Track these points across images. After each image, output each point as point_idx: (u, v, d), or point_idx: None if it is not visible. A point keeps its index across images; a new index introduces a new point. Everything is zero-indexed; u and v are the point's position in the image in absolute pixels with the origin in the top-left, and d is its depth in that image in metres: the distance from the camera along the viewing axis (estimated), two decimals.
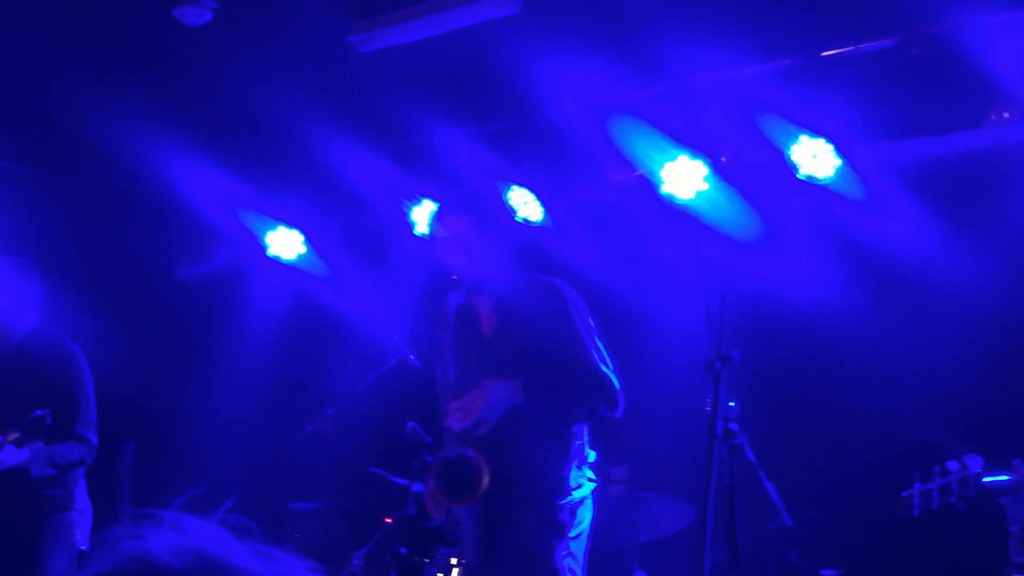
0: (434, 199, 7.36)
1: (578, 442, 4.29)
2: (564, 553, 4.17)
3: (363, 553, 6.28)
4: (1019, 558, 5.18)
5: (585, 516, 4.29)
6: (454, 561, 5.77)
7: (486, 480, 4.12)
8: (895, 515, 5.89)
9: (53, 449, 5.11)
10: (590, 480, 4.33)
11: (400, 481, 6.41)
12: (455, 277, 4.35)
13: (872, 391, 6.26)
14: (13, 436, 4.90)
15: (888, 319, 6.25)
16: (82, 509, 5.41)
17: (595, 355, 4.25)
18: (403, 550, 5.23)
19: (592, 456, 4.38)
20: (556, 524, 4.18)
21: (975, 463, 4.04)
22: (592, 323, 4.35)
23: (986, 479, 4.01)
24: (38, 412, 4.88)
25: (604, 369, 4.25)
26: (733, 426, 3.20)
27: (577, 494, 4.25)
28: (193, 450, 7.70)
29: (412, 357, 5.95)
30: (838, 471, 6.24)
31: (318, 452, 6.68)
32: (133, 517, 1.11)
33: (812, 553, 5.96)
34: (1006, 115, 5.84)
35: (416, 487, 6.05)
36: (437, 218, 4.51)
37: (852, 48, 6.06)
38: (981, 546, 5.47)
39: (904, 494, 4.19)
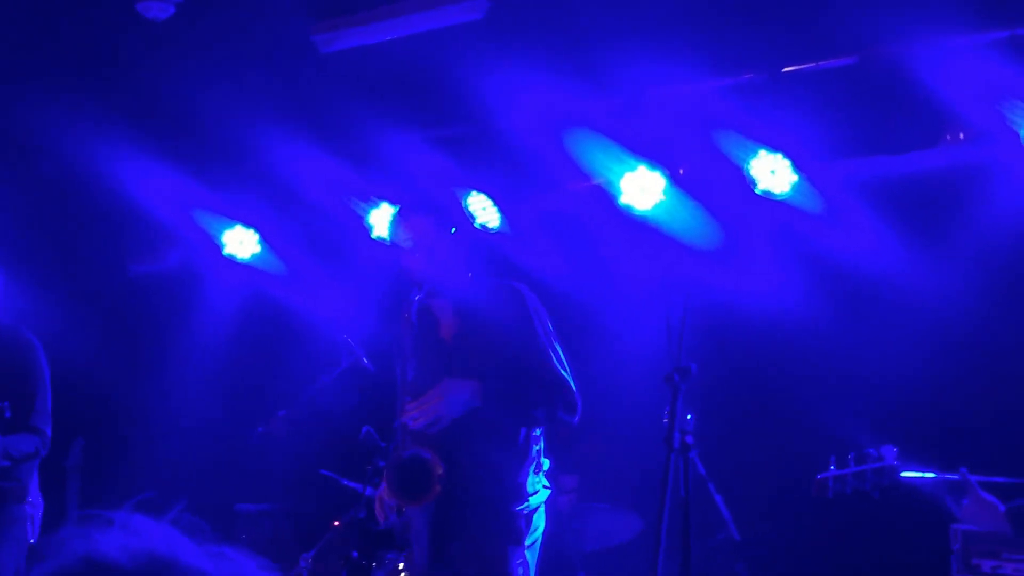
0: (392, 202, 7.35)
1: (536, 447, 4.28)
2: (519, 561, 4.14)
3: (311, 555, 6.24)
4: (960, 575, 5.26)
5: (539, 524, 4.27)
6: (402, 565, 5.75)
7: (440, 482, 4.09)
8: (843, 529, 5.98)
9: (8, 441, 5.04)
10: (545, 487, 4.31)
11: (351, 484, 6.39)
12: (416, 278, 4.34)
13: (825, 404, 6.30)
14: None
15: (845, 332, 6.30)
16: (35, 503, 5.35)
17: (554, 359, 4.23)
18: (355, 553, 5.21)
19: (546, 464, 4.37)
20: (512, 531, 4.15)
21: (890, 453, 4.08)
22: (551, 327, 4.34)
23: (905, 474, 4.05)
24: None
25: (563, 373, 4.23)
26: (690, 439, 3.21)
27: (533, 500, 4.22)
28: (142, 449, 7.63)
29: (366, 360, 5.93)
30: (789, 484, 6.26)
31: (269, 454, 6.63)
32: (82, 518, 1.10)
33: (759, 566, 5.99)
34: (961, 136, 5.93)
35: (367, 491, 6.04)
36: (399, 219, 4.47)
37: (812, 65, 6.12)
38: (922, 564, 5.54)
39: (819, 476, 4.22)
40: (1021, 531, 3.72)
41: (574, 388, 4.23)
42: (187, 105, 6.55)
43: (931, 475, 4.00)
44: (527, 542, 4.19)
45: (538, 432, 4.30)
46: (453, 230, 4.37)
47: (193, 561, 1.09)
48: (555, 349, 4.27)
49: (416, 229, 4.36)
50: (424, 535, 4.21)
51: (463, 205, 4.52)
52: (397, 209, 4.61)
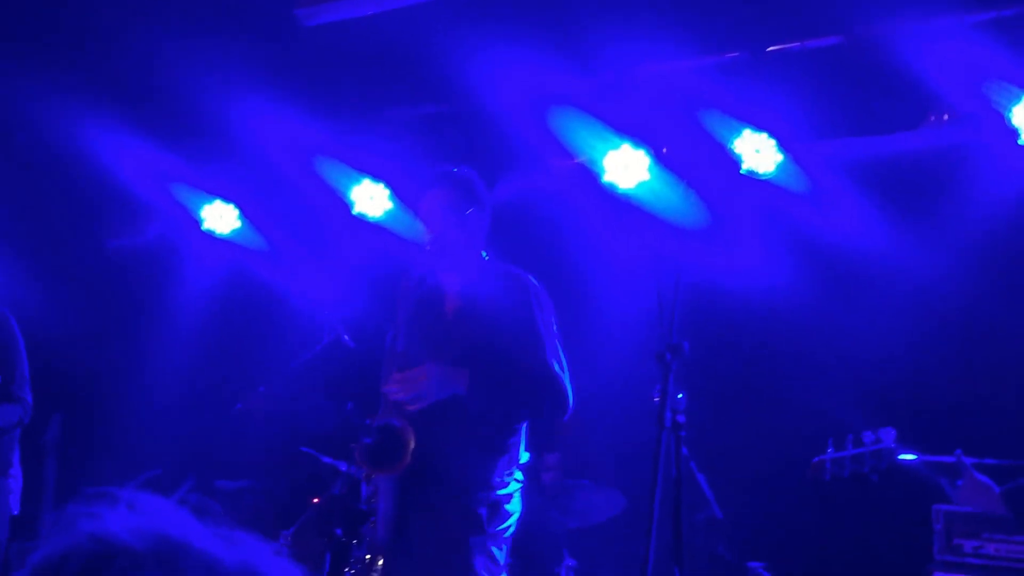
0: (375, 178, 7.30)
1: (511, 440, 4.19)
2: (479, 550, 4.03)
3: (290, 533, 6.22)
4: (942, 556, 5.28)
5: (513, 511, 4.18)
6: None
7: (410, 451, 4.03)
8: (824, 509, 6.00)
9: None
10: (517, 481, 4.22)
11: (331, 461, 6.36)
12: (426, 249, 4.29)
13: (810, 382, 6.32)
14: None
15: (830, 312, 6.31)
16: (15, 475, 5.34)
17: (550, 355, 4.12)
18: (338, 531, 5.18)
19: (525, 457, 4.28)
20: (474, 517, 4.05)
21: (889, 436, 4.08)
22: (554, 324, 4.24)
23: (903, 456, 4.05)
24: None
25: (556, 370, 4.11)
26: (681, 418, 3.18)
27: (500, 492, 4.13)
28: (120, 424, 7.58)
29: (346, 337, 5.89)
30: (771, 463, 6.29)
31: (248, 430, 6.60)
32: (89, 496, 1.06)
33: (740, 545, 6.01)
34: (945, 117, 5.93)
35: (348, 467, 6.02)
36: (420, 192, 4.41)
37: (797, 44, 6.10)
38: (905, 544, 5.57)
39: (816, 459, 4.21)
40: (1016, 512, 3.73)
41: (566, 387, 4.12)
42: (166, 78, 6.48)
43: (927, 458, 4.00)
44: (493, 530, 4.08)
45: (517, 426, 4.21)
46: (471, 209, 4.32)
47: (204, 544, 1.07)
48: (554, 345, 4.17)
49: (436, 204, 4.31)
50: (389, 510, 4.17)
51: (482, 184, 4.42)
52: (419, 185, 4.53)
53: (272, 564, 1.09)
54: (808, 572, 5.95)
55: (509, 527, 4.17)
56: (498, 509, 4.11)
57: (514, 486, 4.20)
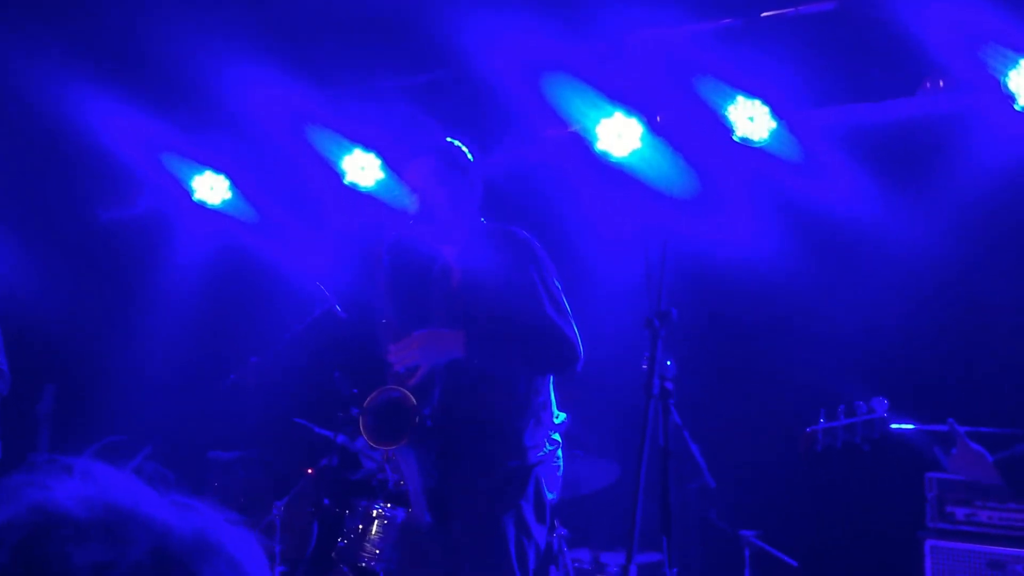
0: (367, 147, 7.25)
1: (539, 399, 4.11)
2: (515, 523, 3.96)
3: (283, 503, 6.21)
4: (934, 523, 5.29)
5: (550, 481, 4.09)
6: (374, 513, 5.73)
7: (415, 420, 3.99)
8: (817, 478, 5.99)
9: None
10: (551, 442, 4.13)
11: (324, 432, 6.35)
12: (413, 218, 4.23)
13: (802, 351, 6.30)
14: None
15: (821, 279, 6.29)
16: None
17: (550, 309, 4.04)
18: (326, 501, 5.17)
19: (561, 417, 4.19)
20: (508, 493, 3.97)
21: (881, 406, 4.06)
22: (553, 274, 4.16)
23: (895, 426, 4.04)
24: None
25: (560, 323, 4.02)
26: (669, 385, 3.16)
27: (533, 455, 4.03)
28: (114, 395, 7.56)
29: (338, 308, 5.86)
30: (763, 432, 6.28)
31: (241, 401, 6.57)
32: (36, 464, 1.03)
33: (732, 513, 6.00)
34: (941, 84, 5.88)
35: (340, 438, 6.00)
36: (406, 160, 4.37)
37: (791, 10, 6.04)
38: (897, 512, 5.57)
39: (808, 430, 4.20)
40: (1009, 481, 3.72)
41: (573, 338, 4.03)
42: (154, 44, 6.42)
43: (920, 427, 3.99)
44: (527, 502, 4.00)
45: (539, 384, 4.12)
46: (456, 177, 4.27)
47: (155, 512, 1.03)
48: (555, 299, 4.09)
49: (422, 171, 4.27)
50: (421, 494, 4.10)
51: (468, 150, 4.36)
52: (404, 152, 4.49)
53: (226, 532, 1.06)
54: (801, 540, 5.95)
55: (545, 496, 4.08)
56: (529, 475, 4.03)
57: (548, 448, 4.12)
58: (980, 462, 3.79)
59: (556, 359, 4.04)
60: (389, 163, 7.18)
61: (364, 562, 5.63)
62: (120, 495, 1.03)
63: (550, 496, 4.10)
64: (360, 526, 5.72)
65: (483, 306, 4.08)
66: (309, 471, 6.55)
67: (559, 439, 4.18)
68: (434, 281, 4.27)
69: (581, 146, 6.68)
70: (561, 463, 4.17)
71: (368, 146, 7.25)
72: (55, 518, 0.98)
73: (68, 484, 1.03)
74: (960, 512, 5.19)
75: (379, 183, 7.25)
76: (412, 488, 4.14)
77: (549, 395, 4.17)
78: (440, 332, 4.04)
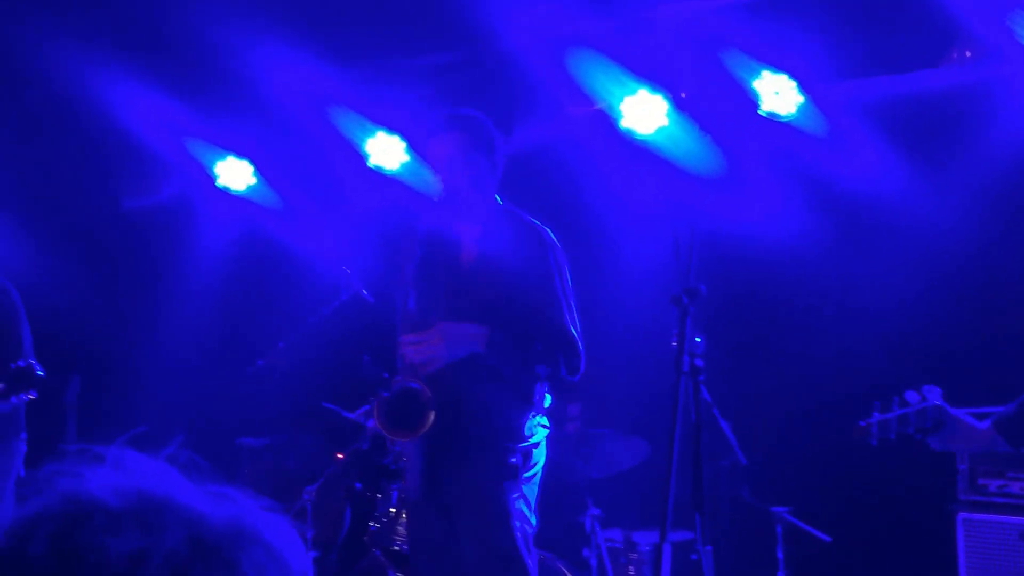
0: (391, 129, 7.23)
1: (538, 391, 4.20)
2: (516, 496, 4.09)
3: (314, 489, 6.22)
4: (967, 496, 5.24)
5: (539, 458, 4.21)
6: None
7: (431, 415, 4.02)
8: (848, 453, 5.95)
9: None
10: (543, 427, 4.24)
11: (353, 416, 6.35)
12: (437, 200, 4.23)
13: (830, 328, 6.27)
14: None
15: (848, 256, 6.25)
16: (24, 438, 5.37)
17: (566, 313, 4.12)
18: (358, 485, 5.18)
19: (548, 401, 4.30)
20: (508, 466, 4.08)
21: (934, 394, 4.02)
22: (569, 280, 4.22)
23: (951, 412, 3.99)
24: (21, 363, 4.78)
25: (572, 331, 4.12)
26: (699, 362, 3.13)
27: (531, 440, 4.16)
28: (140, 384, 7.58)
29: (365, 292, 5.86)
30: (793, 408, 6.25)
31: (269, 387, 6.58)
32: (69, 453, 1.02)
33: (764, 490, 5.98)
34: (967, 54, 5.80)
35: (370, 422, 6.00)
36: (428, 137, 4.35)
37: None
38: (929, 485, 5.53)
39: (862, 423, 4.16)
40: (1008, 438, 3.66)
41: (580, 348, 4.13)
42: (177, 29, 6.39)
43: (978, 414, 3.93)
44: (525, 475, 4.13)
45: (541, 384, 4.22)
46: (480, 153, 4.24)
47: (190, 500, 1.02)
48: (569, 304, 4.16)
49: (445, 148, 4.24)
50: (417, 466, 4.16)
51: (492, 127, 4.34)
52: (429, 126, 4.46)
53: (262, 519, 1.05)
54: (833, 515, 5.92)
55: (537, 473, 4.20)
56: (528, 456, 4.14)
57: (541, 433, 4.22)
58: (969, 433, 3.74)
59: (565, 368, 4.14)
60: (413, 145, 7.16)
61: (397, 545, 5.64)
62: (154, 484, 1.02)
63: (537, 478, 4.21)
64: (392, 510, 5.72)
65: (500, 296, 4.08)
66: (339, 456, 6.56)
67: (548, 424, 4.29)
68: (455, 264, 4.26)
69: (606, 124, 6.64)
70: (545, 449, 4.27)
71: (392, 128, 7.23)
72: (89, 507, 0.97)
73: (100, 473, 1.02)
74: (993, 484, 5.15)
75: (404, 166, 7.23)
76: (411, 464, 4.17)
77: (544, 383, 4.25)
78: (464, 328, 4.04)
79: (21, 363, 4.79)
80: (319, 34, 6.49)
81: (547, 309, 4.08)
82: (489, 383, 4.09)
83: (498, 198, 4.33)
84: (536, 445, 4.18)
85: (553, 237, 4.23)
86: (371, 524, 5.79)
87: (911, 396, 3.99)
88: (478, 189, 4.24)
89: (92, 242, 7.97)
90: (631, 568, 6.10)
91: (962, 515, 5.18)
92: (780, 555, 5.67)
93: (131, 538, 0.95)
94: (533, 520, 4.18)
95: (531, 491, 4.17)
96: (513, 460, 4.09)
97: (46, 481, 1.00)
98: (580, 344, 4.13)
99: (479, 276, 4.17)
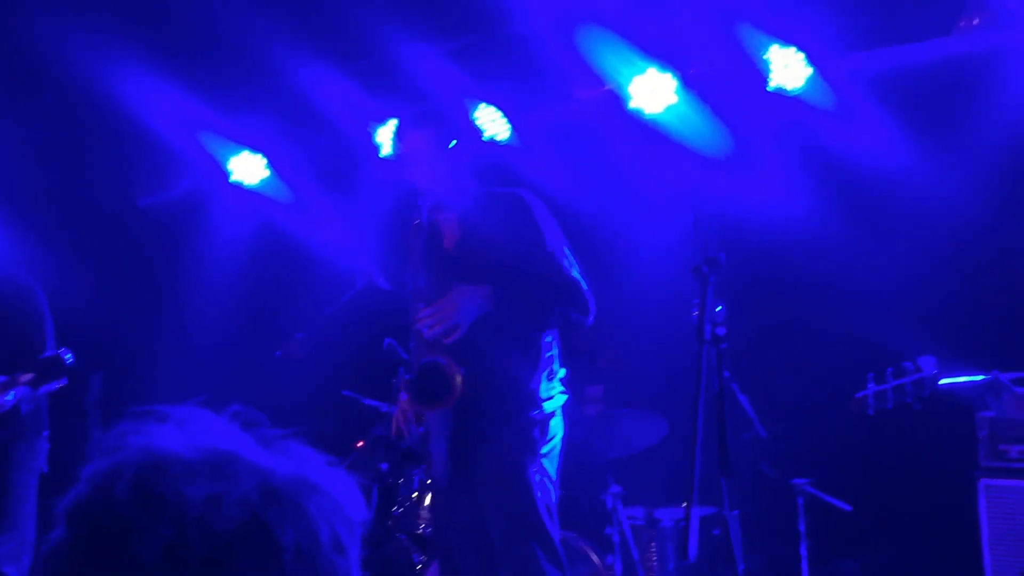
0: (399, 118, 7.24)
1: (548, 353, 4.29)
2: (535, 469, 4.16)
3: None
4: (987, 462, 5.25)
5: (557, 431, 4.28)
6: (429, 480, 5.76)
7: (459, 385, 4.11)
8: (866, 423, 5.97)
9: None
10: (561, 393, 4.33)
11: (373, 403, 6.38)
12: (419, 191, 4.34)
13: (843, 303, 6.28)
14: (27, 378, 4.82)
15: (859, 231, 6.25)
16: (47, 435, 5.41)
17: (562, 260, 4.25)
18: (383, 466, 5.24)
19: (562, 372, 4.37)
20: (528, 440, 4.16)
21: (929, 364, 4.05)
22: (558, 229, 4.33)
23: (943, 381, 4.02)
24: (50, 353, 4.83)
25: (573, 274, 4.24)
26: (720, 331, 3.16)
27: (547, 406, 4.23)
28: (161, 378, 7.62)
29: (380, 280, 5.90)
30: (810, 383, 6.27)
31: (288, 377, 6.63)
32: (139, 414, 1.06)
33: (783, 463, 6.00)
34: (976, 21, 5.80)
35: (392, 409, 6.04)
36: (398, 133, 4.49)
37: None
38: (950, 453, 5.54)
39: (858, 395, 4.20)
40: None
41: (584, 288, 4.24)
42: (191, 24, 6.42)
43: (967, 383, 3.97)
44: (543, 450, 4.20)
45: (550, 339, 4.31)
46: (453, 142, 4.35)
47: (256, 457, 1.07)
48: (564, 252, 4.28)
49: (416, 142, 4.36)
50: (443, 444, 4.24)
51: (466, 115, 4.49)
52: (396, 123, 4.60)
53: (325, 473, 1.09)
54: (854, 485, 5.94)
55: (555, 447, 4.27)
56: (547, 427, 4.21)
57: (559, 400, 4.30)
58: None
59: (575, 310, 4.24)
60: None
61: (421, 529, 5.68)
62: (221, 439, 1.06)
63: (556, 451, 4.28)
64: (415, 494, 5.76)
65: (490, 264, 4.22)
66: (359, 443, 6.59)
67: (565, 391, 4.37)
68: (441, 250, 4.38)
69: (615, 104, 6.65)
70: (563, 420, 4.34)
71: (398, 115, 7.22)
72: (165, 458, 1.02)
73: (168, 430, 1.07)
74: (1014, 450, 5.15)
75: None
76: (436, 446, 4.24)
77: (556, 351, 4.34)
78: (467, 289, 4.13)
79: (49, 353, 4.84)
80: (330, 22, 6.51)
81: (541, 261, 4.21)
82: (499, 348, 4.17)
83: (477, 182, 4.44)
84: (552, 415, 4.25)
85: (531, 195, 4.34)
86: (394, 508, 5.83)
87: (907, 365, 4.03)
88: (454, 177, 4.35)
89: (107, 239, 8.01)
90: (653, 544, 6.14)
91: (984, 481, 5.19)
92: (802, 527, 5.69)
93: (206, 485, 1.00)
94: (554, 493, 4.24)
95: (551, 465, 4.24)
96: (533, 433, 4.17)
97: (120, 438, 1.05)
98: (584, 284, 4.23)
99: (466, 258, 4.30)
